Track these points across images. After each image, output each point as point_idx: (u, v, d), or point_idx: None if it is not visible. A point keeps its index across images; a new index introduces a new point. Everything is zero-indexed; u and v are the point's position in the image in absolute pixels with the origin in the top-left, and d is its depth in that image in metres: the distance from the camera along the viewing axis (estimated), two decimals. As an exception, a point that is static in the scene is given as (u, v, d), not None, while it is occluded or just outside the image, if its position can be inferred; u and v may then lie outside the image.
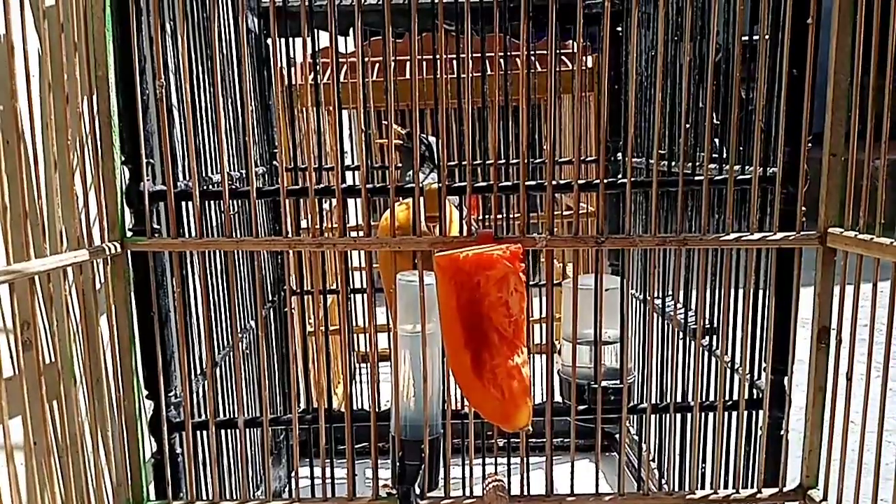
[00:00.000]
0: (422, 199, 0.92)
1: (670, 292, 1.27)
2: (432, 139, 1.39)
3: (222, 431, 1.11)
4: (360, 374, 1.85)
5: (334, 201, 0.94)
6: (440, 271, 0.85)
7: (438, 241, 0.91)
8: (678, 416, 1.15)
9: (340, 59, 1.67)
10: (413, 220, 0.92)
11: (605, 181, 0.92)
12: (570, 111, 2.09)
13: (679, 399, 1.17)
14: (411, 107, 0.89)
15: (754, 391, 1.01)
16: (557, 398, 1.08)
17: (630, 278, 1.42)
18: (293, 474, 1.51)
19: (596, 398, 0.97)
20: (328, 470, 0.98)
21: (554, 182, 0.92)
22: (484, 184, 0.96)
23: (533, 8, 0.90)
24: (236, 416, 0.99)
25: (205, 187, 1.05)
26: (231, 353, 1.15)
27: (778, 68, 0.91)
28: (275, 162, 1.50)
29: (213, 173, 1.14)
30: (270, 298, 1.48)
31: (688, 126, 1.04)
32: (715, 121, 1.04)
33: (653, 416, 1.29)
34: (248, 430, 0.99)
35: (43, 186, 0.79)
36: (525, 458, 0.96)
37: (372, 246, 0.93)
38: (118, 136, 0.89)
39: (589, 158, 1.76)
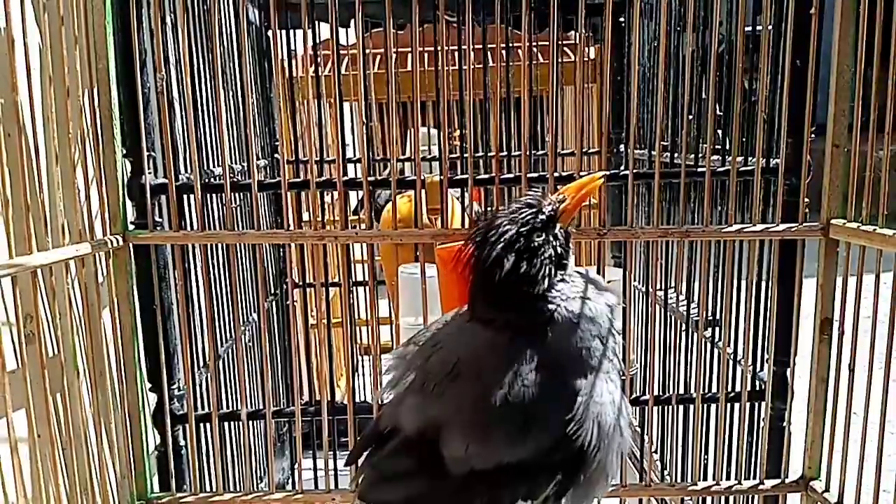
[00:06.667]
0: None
1: (673, 284, 1.27)
2: (423, 130, 1.38)
3: (225, 424, 1.11)
4: (363, 367, 1.86)
5: (336, 194, 0.94)
6: (442, 263, 0.85)
7: (440, 234, 0.90)
8: (680, 407, 1.15)
9: (341, 51, 1.66)
10: (415, 212, 0.92)
11: (608, 173, 0.92)
12: (573, 103, 2.08)
13: (681, 390, 1.17)
14: (412, 99, 0.88)
15: (757, 382, 1.01)
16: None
17: (632, 270, 1.42)
18: (296, 466, 1.52)
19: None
20: (331, 462, 0.98)
21: (556, 174, 0.92)
22: (486, 176, 0.96)
23: (535, -2, 0.90)
24: (239, 408, 0.99)
25: (206, 180, 1.05)
26: (234, 346, 1.15)
27: (781, 59, 0.90)
28: (276, 154, 1.49)
29: (214, 166, 1.14)
30: (272, 291, 1.49)
31: (690, 117, 1.04)
32: (718, 112, 1.04)
33: (655, 408, 1.30)
34: (250, 422, 0.99)
35: (45, 180, 0.79)
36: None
37: (374, 238, 0.93)
38: (119, 129, 0.89)
39: (591, 150, 1.76)
